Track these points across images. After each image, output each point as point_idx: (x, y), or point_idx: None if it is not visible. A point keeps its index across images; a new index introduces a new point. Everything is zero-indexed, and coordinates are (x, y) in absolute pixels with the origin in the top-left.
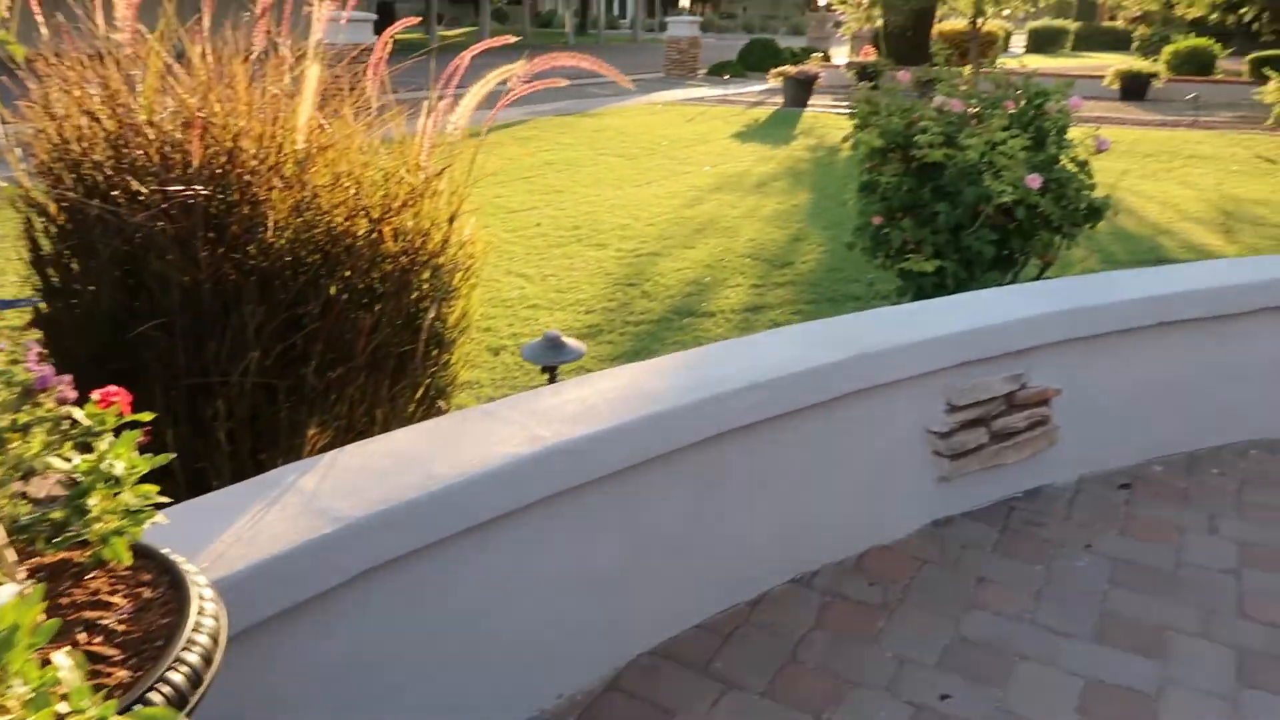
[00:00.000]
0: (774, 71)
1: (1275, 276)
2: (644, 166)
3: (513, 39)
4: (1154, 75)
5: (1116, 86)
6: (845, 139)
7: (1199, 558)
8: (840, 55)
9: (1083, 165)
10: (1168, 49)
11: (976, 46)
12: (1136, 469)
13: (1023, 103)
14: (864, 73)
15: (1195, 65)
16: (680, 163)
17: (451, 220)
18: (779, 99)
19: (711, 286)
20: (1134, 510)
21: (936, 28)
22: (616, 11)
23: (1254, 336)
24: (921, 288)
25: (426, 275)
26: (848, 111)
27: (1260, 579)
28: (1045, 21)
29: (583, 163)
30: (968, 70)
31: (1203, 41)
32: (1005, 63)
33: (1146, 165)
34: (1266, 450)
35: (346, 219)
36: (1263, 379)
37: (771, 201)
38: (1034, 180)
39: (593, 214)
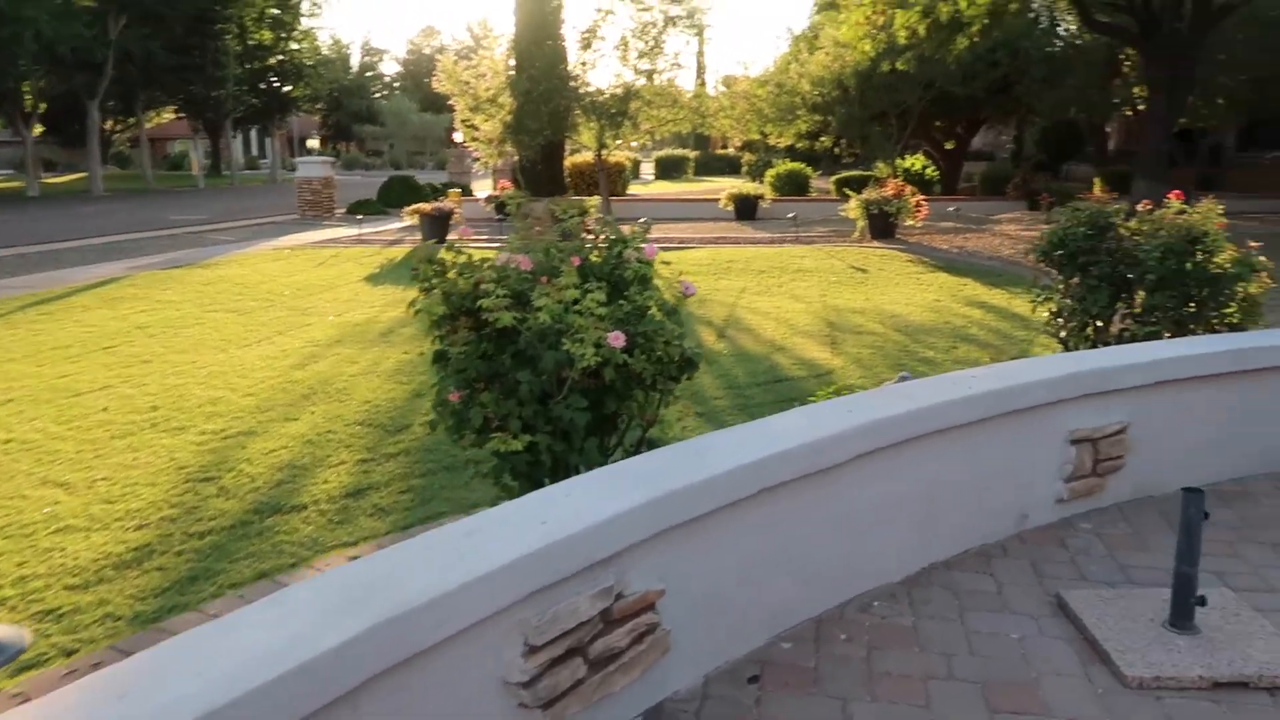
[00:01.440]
0: (409, 209)
1: (866, 421)
2: (258, 322)
3: None
4: (760, 197)
5: (730, 208)
6: (410, 305)
7: None
8: (484, 189)
9: (672, 313)
10: (770, 172)
11: (605, 177)
12: (765, 651)
13: (603, 252)
14: (501, 206)
15: (794, 186)
16: (302, 314)
17: None
18: (418, 236)
19: (310, 469)
20: (764, 710)
21: (569, 160)
22: (256, 151)
23: (856, 484)
24: (515, 467)
25: None
26: (411, 272)
27: None
28: (669, 151)
29: (185, 323)
30: (594, 200)
31: (797, 165)
32: (635, 189)
33: (761, 281)
34: (887, 600)
35: None
36: (871, 525)
37: (396, 352)
38: (616, 339)
39: (180, 388)
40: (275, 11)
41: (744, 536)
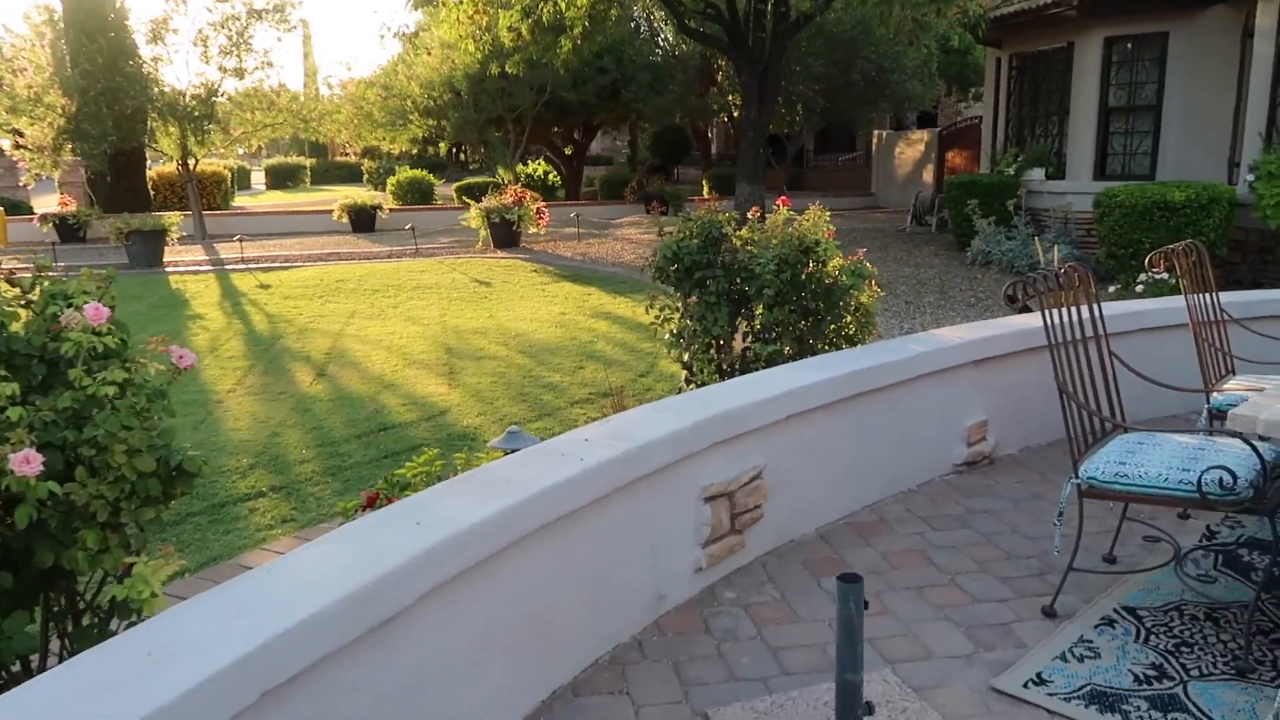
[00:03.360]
0: None
1: (441, 538)
2: None
3: None
4: (379, 207)
5: (346, 220)
6: None
7: None
8: (51, 205)
9: (158, 398)
10: (392, 180)
11: (194, 189)
12: None
13: (32, 317)
14: (64, 225)
15: (418, 194)
16: None
17: None
18: None
19: None
20: None
21: (156, 170)
22: None
23: (437, 626)
24: None
25: None
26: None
27: None
28: (282, 159)
29: None
30: (174, 217)
31: (420, 173)
32: (242, 200)
33: (375, 302)
34: None
35: None
36: (463, 671)
37: None
38: (24, 462)
39: None
40: None
41: None
